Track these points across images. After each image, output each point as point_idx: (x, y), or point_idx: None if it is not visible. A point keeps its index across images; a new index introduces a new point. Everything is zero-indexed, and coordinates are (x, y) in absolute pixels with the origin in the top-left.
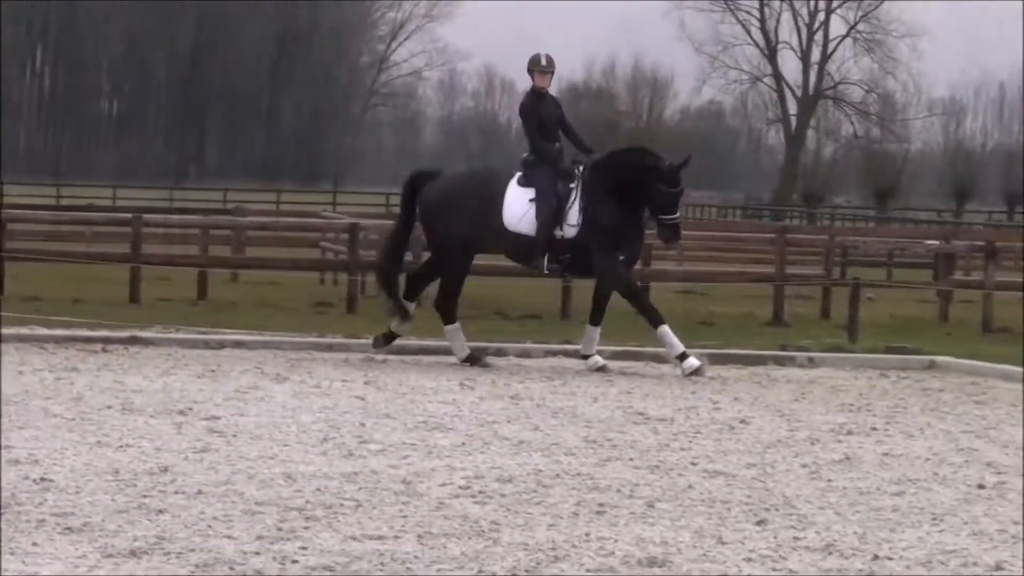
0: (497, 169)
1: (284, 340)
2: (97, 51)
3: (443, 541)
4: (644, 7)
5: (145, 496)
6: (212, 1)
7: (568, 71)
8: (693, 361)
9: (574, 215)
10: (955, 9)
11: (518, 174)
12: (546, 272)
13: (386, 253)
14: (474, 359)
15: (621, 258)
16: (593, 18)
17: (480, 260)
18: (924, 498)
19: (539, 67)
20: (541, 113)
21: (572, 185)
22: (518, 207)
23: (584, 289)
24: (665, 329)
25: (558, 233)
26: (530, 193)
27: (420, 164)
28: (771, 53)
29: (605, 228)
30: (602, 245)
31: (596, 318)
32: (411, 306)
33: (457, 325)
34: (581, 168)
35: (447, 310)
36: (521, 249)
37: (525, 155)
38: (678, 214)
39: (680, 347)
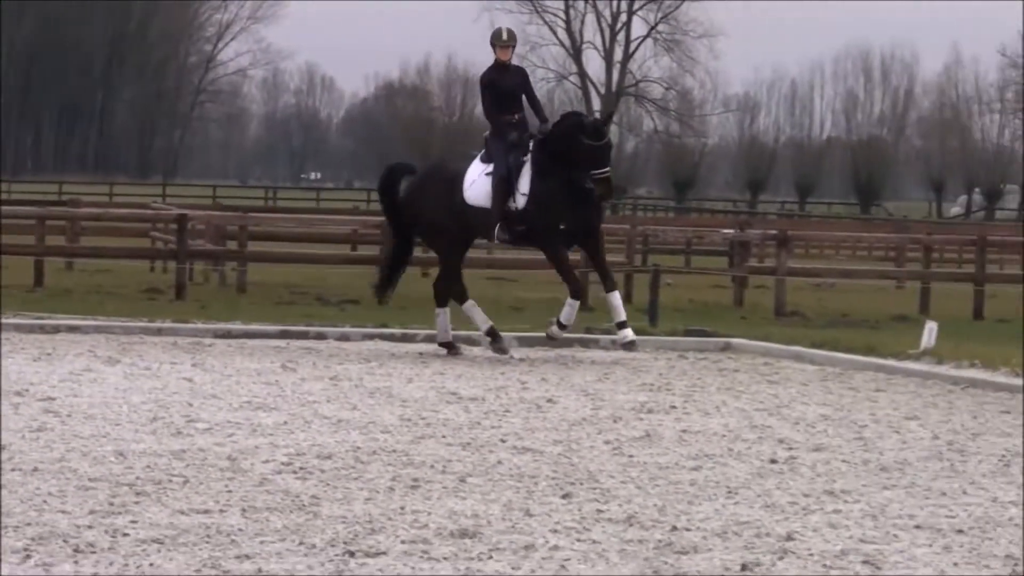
0: (466, 155)
1: (116, 325)
2: None
3: (266, 515)
4: (455, 8)
5: None
6: (48, 2)
7: (385, 70)
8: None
9: (524, 186)
10: (750, 8)
11: (481, 152)
12: (496, 240)
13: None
14: (451, 347)
15: (562, 227)
16: (408, 19)
17: (293, 248)
18: (720, 472)
19: (500, 41)
20: (500, 85)
21: (524, 158)
22: (474, 180)
23: (407, 277)
24: (574, 304)
25: (511, 204)
26: (489, 167)
27: (245, 158)
28: (576, 53)
29: (546, 204)
30: (544, 221)
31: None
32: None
33: (447, 309)
34: (532, 142)
35: (439, 294)
36: (480, 222)
37: (486, 133)
38: (607, 168)
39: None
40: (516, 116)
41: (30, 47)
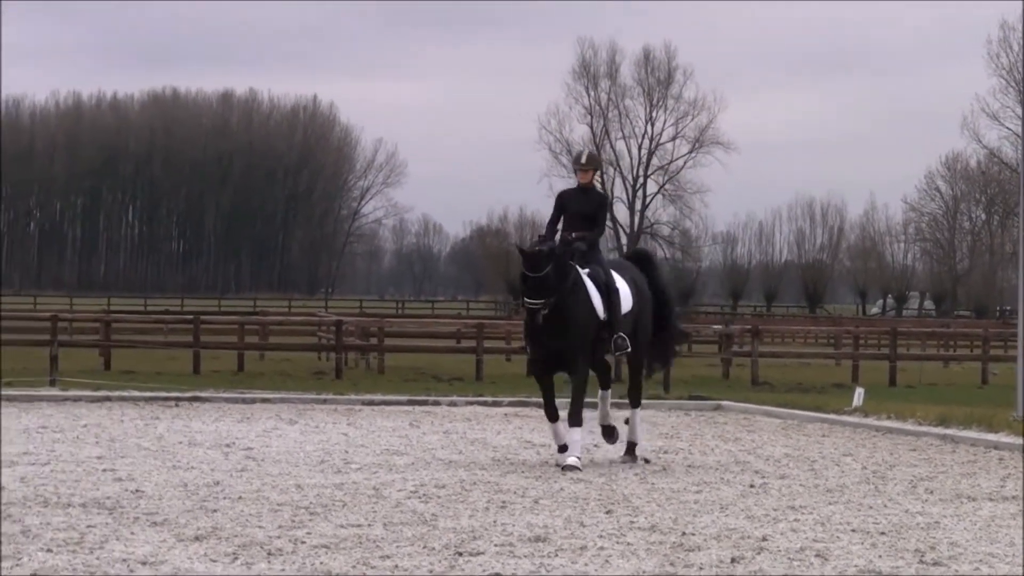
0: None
1: (294, 397)
2: (168, 209)
3: (400, 527)
4: (524, 175)
5: (204, 500)
6: (243, 176)
7: (476, 218)
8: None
9: None
10: (730, 170)
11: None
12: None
13: None
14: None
15: (528, 351)
16: (491, 183)
17: (416, 342)
18: (715, 494)
19: (579, 165)
20: (568, 206)
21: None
22: None
23: (490, 360)
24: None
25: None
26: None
27: (382, 280)
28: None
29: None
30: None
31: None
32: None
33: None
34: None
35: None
36: None
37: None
38: (529, 298)
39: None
40: (573, 235)
41: (231, 205)
